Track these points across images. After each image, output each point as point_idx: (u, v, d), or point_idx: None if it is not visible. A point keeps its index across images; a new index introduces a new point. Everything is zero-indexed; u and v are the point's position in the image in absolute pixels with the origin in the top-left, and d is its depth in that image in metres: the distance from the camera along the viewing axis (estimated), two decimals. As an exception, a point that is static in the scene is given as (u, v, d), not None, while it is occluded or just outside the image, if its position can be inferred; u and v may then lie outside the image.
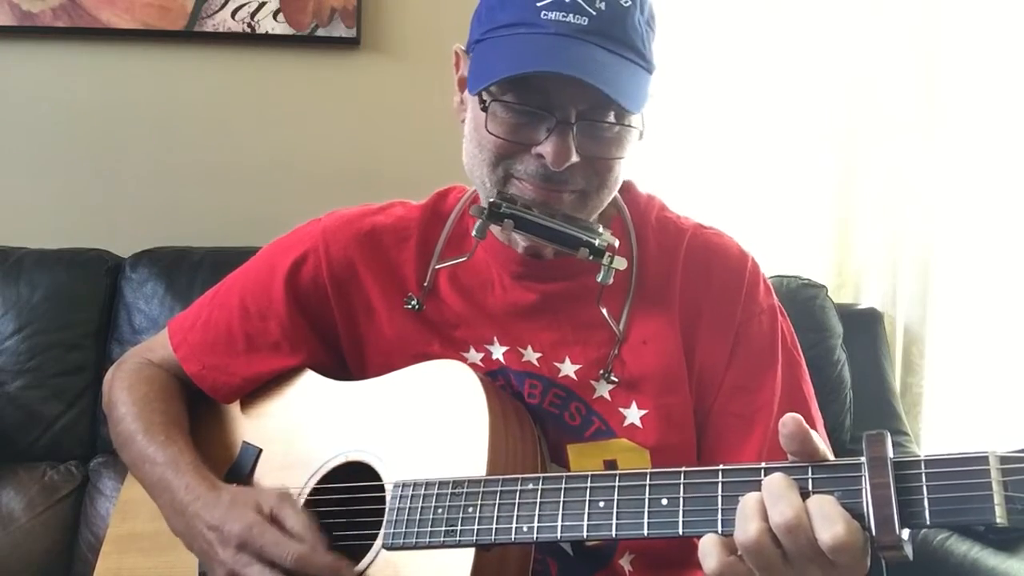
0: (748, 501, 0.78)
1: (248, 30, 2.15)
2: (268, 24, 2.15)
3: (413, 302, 1.15)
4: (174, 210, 2.17)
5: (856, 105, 2.28)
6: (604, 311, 1.10)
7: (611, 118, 1.02)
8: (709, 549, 0.80)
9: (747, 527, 0.77)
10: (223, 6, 2.13)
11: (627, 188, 1.20)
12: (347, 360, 1.21)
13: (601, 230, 1.03)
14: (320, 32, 2.17)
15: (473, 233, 1.06)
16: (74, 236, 2.02)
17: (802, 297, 2.10)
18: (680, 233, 1.17)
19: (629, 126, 1.03)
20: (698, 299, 1.13)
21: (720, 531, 0.80)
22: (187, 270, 1.94)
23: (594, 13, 0.98)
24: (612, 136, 1.03)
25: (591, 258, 1.02)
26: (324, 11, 2.16)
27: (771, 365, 1.12)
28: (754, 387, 1.10)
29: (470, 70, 1.05)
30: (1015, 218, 2.25)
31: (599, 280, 1.03)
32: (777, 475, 0.78)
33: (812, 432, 0.79)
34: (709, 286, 1.13)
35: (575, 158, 1.00)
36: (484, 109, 1.02)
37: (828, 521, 0.75)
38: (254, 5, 2.14)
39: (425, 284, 1.16)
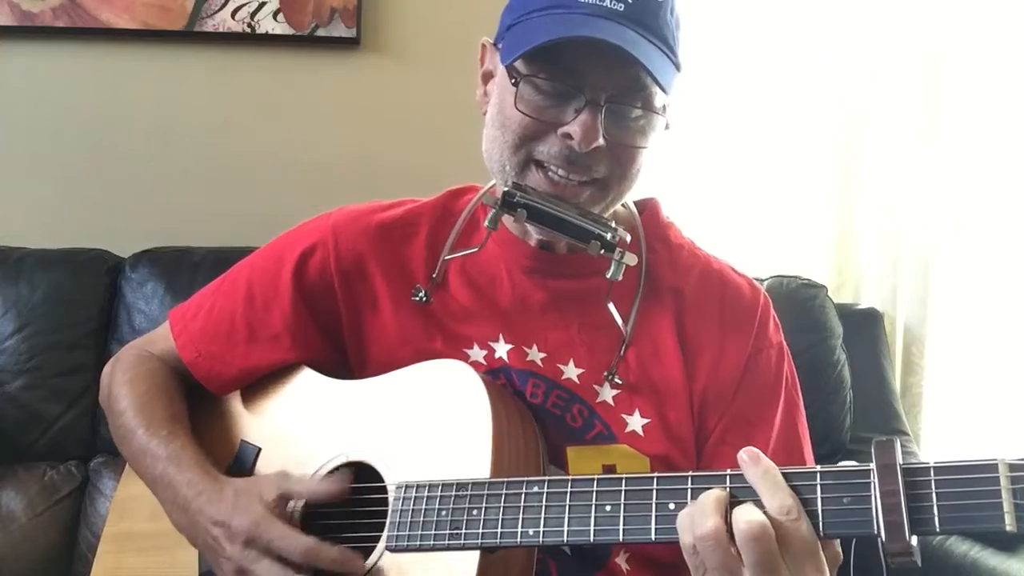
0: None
1: (248, 30, 2.15)
2: (268, 24, 2.15)
3: (421, 294, 1.15)
4: (174, 210, 2.17)
5: (856, 105, 2.28)
6: (612, 308, 1.09)
7: (639, 104, 1.03)
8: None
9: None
10: (223, 6, 2.13)
11: (650, 208, 1.21)
12: (348, 356, 1.20)
13: (614, 225, 1.04)
14: (320, 32, 2.17)
15: (486, 223, 1.05)
16: (74, 236, 2.02)
17: (802, 297, 2.09)
18: (694, 257, 1.19)
19: (655, 113, 1.04)
20: (704, 324, 1.13)
21: None
22: (187, 270, 1.94)
23: (630, 0, 1.00)
24: (637, 126, 1.04)
25: (602, 252, 1.02)
26: (324, 11, 2.16)
27: (774, 401, 1.13)
28: (756, 420, 1.11)
29: (503, 47, 1.05)
30: (1015, 218, 2.25)
31: (608, 276, 1.03)
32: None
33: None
34: (719, 314, 1.14)
35: (601, 140, 1.01)
36: (515, 84, 1.02)
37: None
38: (254, 5, 2.14)
39: (434, 276, 1.16)
